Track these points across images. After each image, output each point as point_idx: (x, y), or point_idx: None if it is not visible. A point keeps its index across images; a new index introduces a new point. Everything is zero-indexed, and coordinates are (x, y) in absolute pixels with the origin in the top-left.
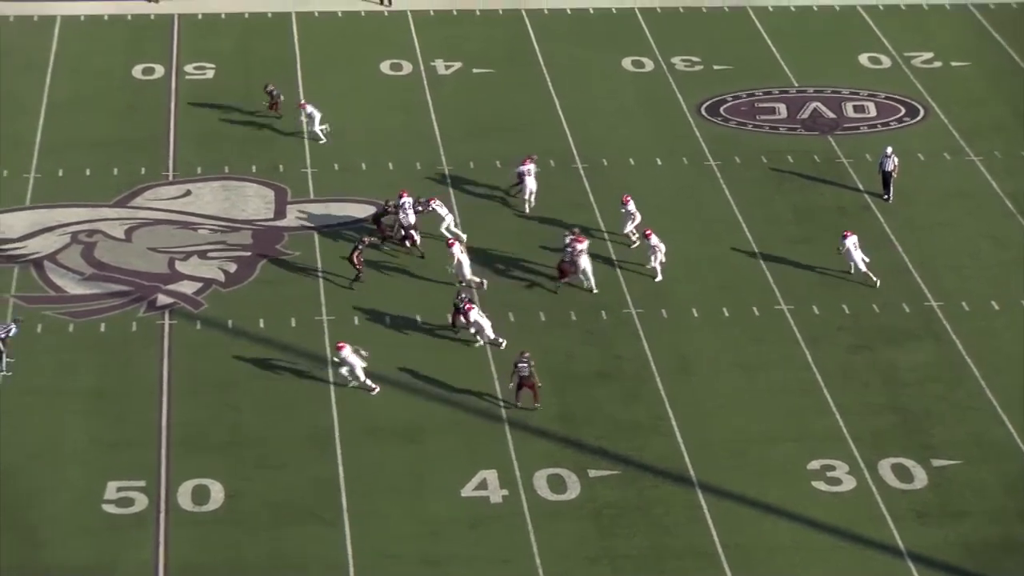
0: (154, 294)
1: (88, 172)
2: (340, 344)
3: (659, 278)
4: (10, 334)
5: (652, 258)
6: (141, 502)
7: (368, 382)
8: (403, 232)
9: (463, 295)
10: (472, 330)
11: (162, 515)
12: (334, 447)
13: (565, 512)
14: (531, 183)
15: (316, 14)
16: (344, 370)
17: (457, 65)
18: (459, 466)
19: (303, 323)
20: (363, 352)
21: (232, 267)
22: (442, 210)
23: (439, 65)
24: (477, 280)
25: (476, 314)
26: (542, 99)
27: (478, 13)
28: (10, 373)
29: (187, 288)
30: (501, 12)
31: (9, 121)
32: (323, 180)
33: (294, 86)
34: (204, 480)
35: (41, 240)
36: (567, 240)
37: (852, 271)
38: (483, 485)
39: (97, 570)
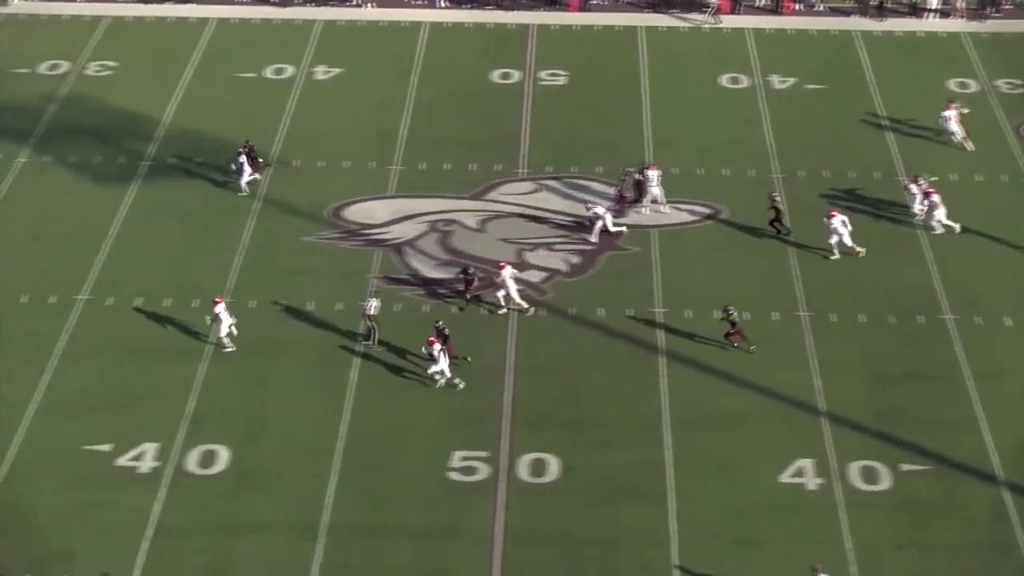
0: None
1: (448, 167)
2: (217, 298)
3: (835, 256)
4: (371, 308)
5: (833, 237)
6: (483, 471)
7: (226, 341)
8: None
9: (442, 322)
10: (431, 368)
11: (502, 484)
12: (662, 430)
13: (876, 502)
14: (957, 129)
15: (662, 29)
16: (223, 326)
17: (792, 80)
18: (778, 454)
19: (638, 315)
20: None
21: (576, 259)
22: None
23: (774, 80)
24: (525, 305)
25: (437, 350)
26: (869, 115)
27: (814, 33)
28: (375, 345)
29: (533, 277)
30: (835, 32)
31: (380, 117)
32: (663, 183)
33: (640, 95)
34: (542, 454)
35: (402, 227)
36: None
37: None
38: (800, 473)
39: (440, 531)
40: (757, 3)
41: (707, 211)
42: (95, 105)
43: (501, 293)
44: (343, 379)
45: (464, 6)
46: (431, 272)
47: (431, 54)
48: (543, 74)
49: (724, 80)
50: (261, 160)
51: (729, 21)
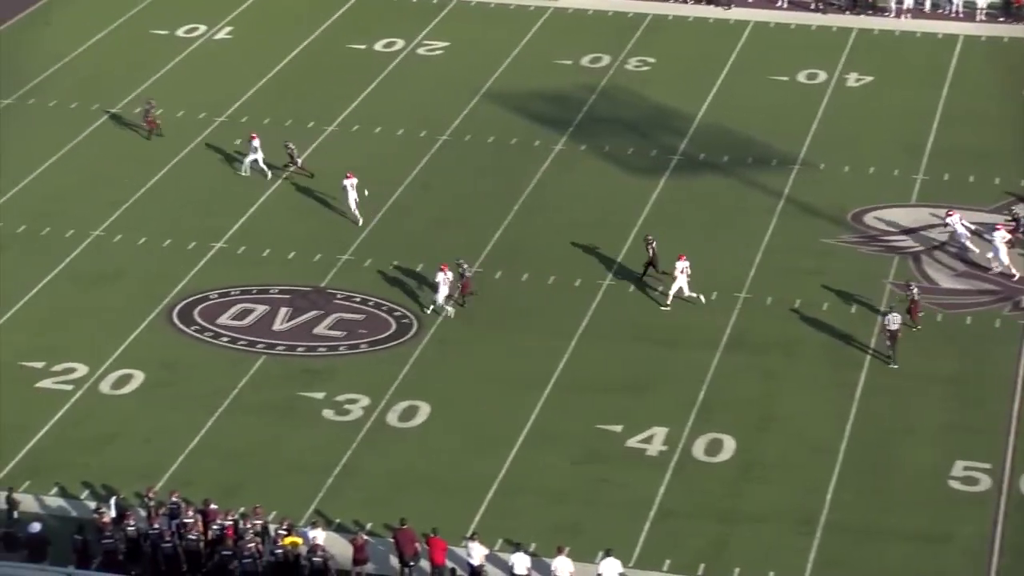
0: (1019, 296)
1: (971, 179)
2: (443, 266)
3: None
4: (893, 323)
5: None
6: (984, 483)
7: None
8: None
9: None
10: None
11: (1003, 497)
12: None
13: None
14: None
15: None
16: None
17: None
18: None
19: None
20: None
21: None
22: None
23: None
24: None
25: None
26: None
27: None
28: (896, 366)
29: None
30: None
31: (908, 126)
32: None
33: None
34: None
35: (921, 236)
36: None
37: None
38: None
39: (935, 538)
40: None
41: None
42: (632, 98)
43: (675, 287)
44: (852, 380)
45: (1000, 20)
46: (948, 283)
47: (963, 66)
48: None
49: None
50: (299, 162)
51: None
